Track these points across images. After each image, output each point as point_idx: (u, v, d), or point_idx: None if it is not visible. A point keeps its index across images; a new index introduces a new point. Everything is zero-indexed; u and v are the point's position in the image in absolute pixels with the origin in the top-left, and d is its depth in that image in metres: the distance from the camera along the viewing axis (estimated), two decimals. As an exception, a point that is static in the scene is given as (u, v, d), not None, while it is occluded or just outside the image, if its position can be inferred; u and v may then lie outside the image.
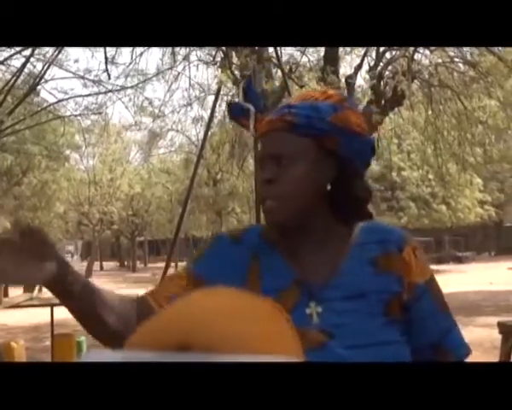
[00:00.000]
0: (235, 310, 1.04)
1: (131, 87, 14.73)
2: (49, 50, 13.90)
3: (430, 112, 14.10)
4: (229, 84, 11.60)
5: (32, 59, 13.69)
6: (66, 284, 1.32)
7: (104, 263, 51.34)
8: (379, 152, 16.19)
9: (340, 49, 12.23)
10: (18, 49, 13.53)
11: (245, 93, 1.27)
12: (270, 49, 10.80)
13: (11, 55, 13.92)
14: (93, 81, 15.12)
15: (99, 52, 11.35)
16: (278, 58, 9.81)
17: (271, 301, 1.15)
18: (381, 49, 12.99)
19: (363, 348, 1.29)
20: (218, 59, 12.02)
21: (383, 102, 12.33)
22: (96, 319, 1.37)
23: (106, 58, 10.81)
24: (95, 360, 0.89)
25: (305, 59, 13.59)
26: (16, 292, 13.60)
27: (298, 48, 13.27)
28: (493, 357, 7.10)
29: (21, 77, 14.53)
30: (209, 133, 10.54)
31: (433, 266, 32.20)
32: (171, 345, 0.95)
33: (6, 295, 11.97)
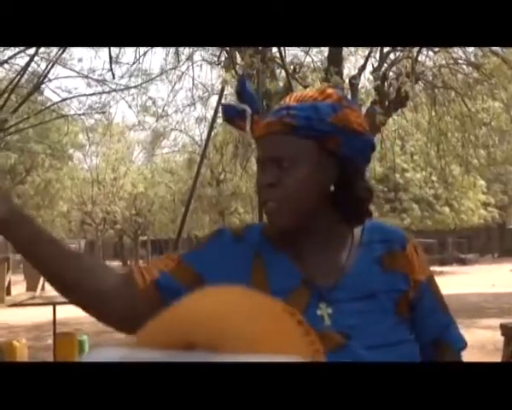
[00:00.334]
0: (242, 308, 1.03)
1: (135, 87, 14.76)
2: (53, 49, 13.93)
3: (434, 113, 14.08)
4: (234, 84, 11.60)
5: (36, 58, 13.72)
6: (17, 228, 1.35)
7: (107, 262, 51.27)
8: (382, 153, 16.16)
9: (344, 49, 12.23)
10: (22, 48, 13.56)
11: (239, 94, 1.26)
12: (274, 50, 10.81)
13: (15, 54, 13.96)
14: (97, 80, 15.16)
15: (103, 52, 11.38)
16: (282, 58, 9.81)
17: (281, 302, 1.14)
18: (385, 50, 12.97)
19: (380, 348, 1.29)
20: (222, 59, 12.01)
21: (387, 103, 12.32)
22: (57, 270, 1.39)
23: (110, 57, 10.82)
24: (97, 360, 0.89)
25: (308, 59, 13.59)
26: (19, 290, 13.64)
27: (302, 48, 13.26)
28: (496, 359, 7.09)
29: (25, 76, 14.55)
30: (212, 133, 10.55)
31: (436, 268, 32.20)
32: (176, 343, 0.95)
33: (8, 293, 11.98)
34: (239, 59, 10.68)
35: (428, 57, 13.25)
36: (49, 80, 15.51)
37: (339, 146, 1.36)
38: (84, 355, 0.91)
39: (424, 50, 12.82)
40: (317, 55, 13.26)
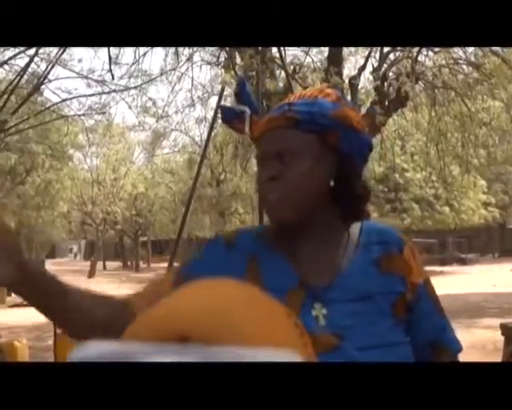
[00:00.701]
0: (238, 304, 1.03)
1: (135, 87, 14.76)
2: (52, 50, 13.94)
3: (434, 113, 14.08)
4: (233, 85, 11.60)
5: (35, 59, 13.72)
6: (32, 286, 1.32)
7: (107, 263, 51.41)
8: (382, 153, 16.16)
9: (344, 50, 12.23)
10: (22, 48, 13.56)
11: (238, 96, 1.26)
12: (274, 50, 10.81)
13: (15, 55, 13.96)
14: (96, 81, 15.17)
15: (102, 52, 11.37)
16: (282, 59, 9.82)
17: (279, 301, 1.13)
18: (385, 50, 12.98)
19: (374, 349, 1.28)
20: (222, 59, 12.02)
21: (387, 103, 12.32)
22: (72, 323, 1.38)
23: (110, 58, 10.82)
24: (87, 355, 0.89)
25: (308, 59, 13.59)
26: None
27: (302, 48, 13.27)
28: (496, 359, 7.09)
29: (25, 76, 14.55)
30: (212, 134, 10.56)
31: (437, 268, 32.14)
32: (170, 338, 0.95)
33: (9, 294, 11.98)
34: (238, 59, 10.69)
35: (428, 57, 13.27)
36: (49, 81, 15.53)
37: (338, 141, 1.38)
38: (74, 351, 0.90)
39: (424, 50, 12.82)
40: (317, 56, 13.27)
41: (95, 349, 0.90)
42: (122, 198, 40.17)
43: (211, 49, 12.36)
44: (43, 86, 15.34)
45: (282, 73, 11.36)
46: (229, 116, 1.49)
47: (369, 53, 13.01)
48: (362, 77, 13.14)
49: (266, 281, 1.34)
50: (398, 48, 12.65)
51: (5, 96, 13.76)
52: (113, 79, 12.88)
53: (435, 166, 16.22)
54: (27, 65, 13.86)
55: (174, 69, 13.85)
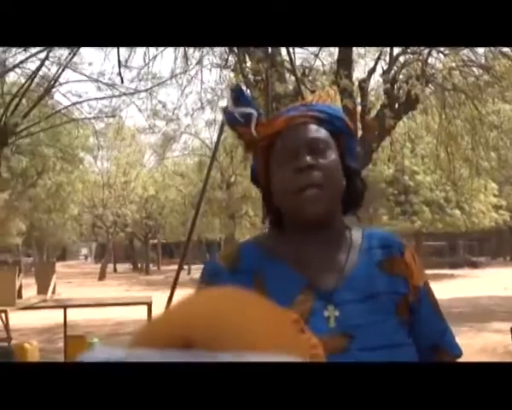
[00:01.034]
0: (241, 309, 1.04)
1: (145, 90, 14.79)
2: (63, 53, 14.00)
3: (444, 116, 14.03)
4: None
5: (46, 62, 13.78)
6: None
7: (118, 265, 51.51)
8: (392, 156, 16.13)
9: (354, 52, 12.21)
10: (33, 51, 13.63)
11: (237, 100, 1.25)
12: (284, 53, 10.81)
13: (26, 58, 14.03)
14: (107, 84, 15.22)
15: (113, 55, 11.40)
16: (292, 62, 9.81)
17: (285, 309, 1.14)
18: (395, 52, 12.95)
19: (382, 349, 1.31)
20: (231, 63, 12.03)
21: (397, 105, 12.29)
22: None
23: (119, 61, 10.85)
24: (97, 358, 0.90)
25: (318, 62, 13.57)
26: (30, 294, 13.69)
27: (311, 51, 13.26)
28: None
29: (36, 80, 14.62)
30: (222, 137, 10.56)
31: (447, 271, 31.95)
32: (175, 343, 0.95)
33: (20, 296, 12.04)
34: (248, 63, 10.69)
35: (438, 60, 13.21)
36: (60, 84, 15.60)
37: (344, 144, 1.47)
38: (81, 356, 0.92)
39: (434, 53, 12.79)
40: (327, 59, 13.25)
41: (100, 355, 0.91)
42: (132, 201, 40.25)
43: (220, 52, 12.37)
44: (53, 89, 15.43)
45: (292, 76, 11.36)
46: (233, 118, 1.50)
47: (379, 55, 12.98)
48: (372, 79, 13.12)
49: (272, 291, 1.33)
50: (409, 50, 12.62)
51: (17, 100, 13.83)
52: (122, 82, 12.91)
53: (445, 169, 16.16)
54: (38, 68, 13.94)
55: (184, 72, 13.88)
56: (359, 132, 11.65)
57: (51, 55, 13.95)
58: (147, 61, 13.56)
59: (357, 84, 12.32)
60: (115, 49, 11.00)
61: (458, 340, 1.53)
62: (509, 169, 26.35)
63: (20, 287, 13.08)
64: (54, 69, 14.70)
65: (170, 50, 13.23)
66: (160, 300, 6.88)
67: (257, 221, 31.48)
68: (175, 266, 9.18)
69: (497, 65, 12.46)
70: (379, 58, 13.09)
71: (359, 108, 12.09)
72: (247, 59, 10.68)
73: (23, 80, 14.98)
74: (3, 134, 13.17)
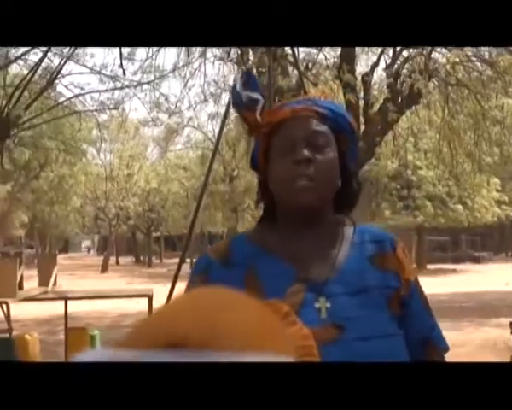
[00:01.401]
0: (230, 306, 1.04)
1: (148, 83, 14.78)
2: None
3: (447, 111, 14.01)
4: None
5: (49, 54, 13.76)
6: None
7: (120, 258, 51.61)
8: (395, 150, 16.12)
9: (357, 47, 12.18)
10: (36, 44, 13.59)
11: (246, 85, 1.24)
12: (287, 47, 10.77)
13: (29, 51, 14.00)
14: (110, 77, 15.20)
15: (115, 47, 11.37)
16: (294, 56, 9.79)
17: (275, 301, 1.14)
18: (398, 47, 12.92)
19: (373, 339, 1.33)
20: (234, 55, 12.01)
21: (400, 100, 12.28)
22: None
23: (121, 54, 10.86)
24: (86, 359, 0.90)
25: (321, 56, 13.55)
26: (31, 285, 13.74)
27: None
28: (507, 358, 7.07)
29: (38, 71, 14.60)
30: (225, 130, 10.56)
31: (450, 266, 31.96)
32: (165, 343, 0.95)
33: (21, 288, 12.07)
34: (251, 56, 10.68)
35: (442, 54, 13.19)
36: (62, 76, 15.58)
37: (346, 145, 1.47)
38: (72, 359, 0.91)
39: (437, 48, 12.76)
40: (330, 53, 13.21)
41: (91, 356, 0.91)
42: (135, 193, 40.28)
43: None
44: (56, 81, 15.40)
45: (295, 70, 11.34)
46: (240, 100, 1.51)
47: (382, 50, 12.97)
48: (375, 74, 13.12)
49: (266, 286, 1.38)
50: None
51: (19, 91, 13.81)
52: (124, 74, 12.92)
53: (448, 164, 16.14)
54: (41, 60, 13.91)
55: (187, 65, 13.86)
56: (362, 127, 11.64)
57: (54, 46, 13.91)
58: (150, 54, 13.57)
59: (360, 78, 12.30)
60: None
61: (459, 335, 1.57)
62: (512, 164, 26.33)
63: (22, 278, 13.11)
64: (56, 61, 14.70)
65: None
66: (161, 292, 6.90)
67: (259, 215, 31.46)
68: (177, 259, 9.20)
69: (500, 60, 12.42)
70: (382, 53, 13.08)
71: (362, 103, 12.09)
72: (250, 52, 10.67)
73: (25, 72, 14.96)
74: (6, 126, 13.16)
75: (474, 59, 13.53)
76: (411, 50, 12.84)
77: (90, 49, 14.34)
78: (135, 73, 14.70)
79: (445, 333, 1.54)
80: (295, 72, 11.00)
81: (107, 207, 40.21)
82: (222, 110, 14.52)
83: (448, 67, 12.65)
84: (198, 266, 1.50)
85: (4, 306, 9.26)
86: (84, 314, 13.12)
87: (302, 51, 12.60)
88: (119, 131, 32.33)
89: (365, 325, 1.34)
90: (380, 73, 13.62)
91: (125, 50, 12.63)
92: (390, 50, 13.04)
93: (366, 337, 1.32)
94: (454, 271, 33.15)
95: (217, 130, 15.61)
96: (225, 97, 14.87)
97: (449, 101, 13.82)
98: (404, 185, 33.10)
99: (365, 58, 14.20)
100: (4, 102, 13.66)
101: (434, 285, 19.99)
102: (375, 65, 12.98)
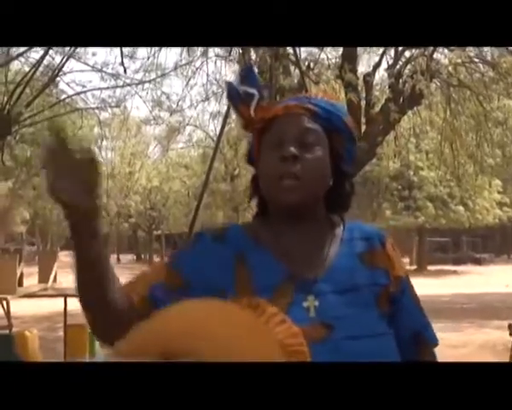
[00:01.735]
0: (214, 316, 1.04)
1: (149, 81, 14.77)
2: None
3: (448, 112, 13.99)
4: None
5: (50, 51, 13.74)
6: (94, 227, 1.40)
7: (121, 256, 51.61)
8: (396, 151, 16.10)
9: (359, 47, 12.17)
10: (37, 41, 13.53)
11: (245, 79, 1.24)
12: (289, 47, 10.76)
13: (30, 48, 13.98)
14: (111, 75, 15.18)
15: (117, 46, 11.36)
16: (296, 55, 9.78)
17: (263, 303, 1.14)
18: (400, 47, 12.90)
19: (363, 339, 1.32)
20: (236, 54, 12.00)
21: (401, 100, 12.25)
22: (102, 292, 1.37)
23: (121, 53, 10.86)
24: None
25: (323, 56, 13.54)
26: (31, 282, 13.74)
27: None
28: (505, 359, 7.05)
29: (40, 69, 14.58)
30: (226, 128, 10.56)
31: (450, 267, 32.02)
32: (155, 354, 0.95)
33: (20, 284, 12.07)
34: (253, 55, 10.65)
35: (444, 55, 13.17)
36: (64, 74, 15.55)
37: (341, 145, 1.46)
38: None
39: (440, 48, 12.74)
40: (332, 52, 13.19)
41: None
42: (136, 192, 40.29)
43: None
44: (57, 79, 15.39)
45: (297, 69, 11.32)
46: (235, 94, 1.50)
47: (384, 50, 12.94)
48: (376, 74, 13.09)
49: (256, 278, 1.38)
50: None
51: (20, 88, 13.80)
52: (125, 72, 12.91)
53: (450, 165, 16.12)
54: (42, 57, 13.89)
55: (189, 64, 13.84)
56: (363, 127, 11.63)
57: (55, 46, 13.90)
58: (151, 52, 13.56)
59: (361, 78, 12.29)
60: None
61: (460, 336, 1.56)
62: (514, 166, 26.31)
63: (21, 275, 13.10)
64: (58, 59, 14.68)
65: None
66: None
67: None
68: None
69: (503, 62, 12.40)
70: (384, 53, 13.06)
71: (364, 103, 12.07)
72: (252, 51, 10.66)
73: (27, 69, 14.95)
74: (7, 123, 13.16)
75: (476, 60, 13.52)
76: (413, 51, 12.81)
77: (91, 48, 14.30)
78: (136, 72, 14.68)
79: (445, 334, 1.55)
80: (297, 71, 10.99)
81: (108, 204, 40.21)
82: (223, 109, 14.50)
83: (450, 68, 12.64)
84: (190, 239, 1.52)
85: (4, 302, 9.27)
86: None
87: (304, 51, 12.59)
88: (121, 130, 32.29)
89: (354, 323, 1.34)
90: (382, 74, 13.60)
91: (127, 49, 12.62)
92: (392, 51, 13.02)
93: (355, 336, 1.31)
94: (455, 272, 33.12)
95: (218, 129, 15.61)
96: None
97: (451, 102, 13.81)
98: (406, 186, 33.10)
99: (367, 58, 14.20)
100: (6, 99, 13.65)
101: (435, 286, 20.00)
102: (377, 65, 12.96)
